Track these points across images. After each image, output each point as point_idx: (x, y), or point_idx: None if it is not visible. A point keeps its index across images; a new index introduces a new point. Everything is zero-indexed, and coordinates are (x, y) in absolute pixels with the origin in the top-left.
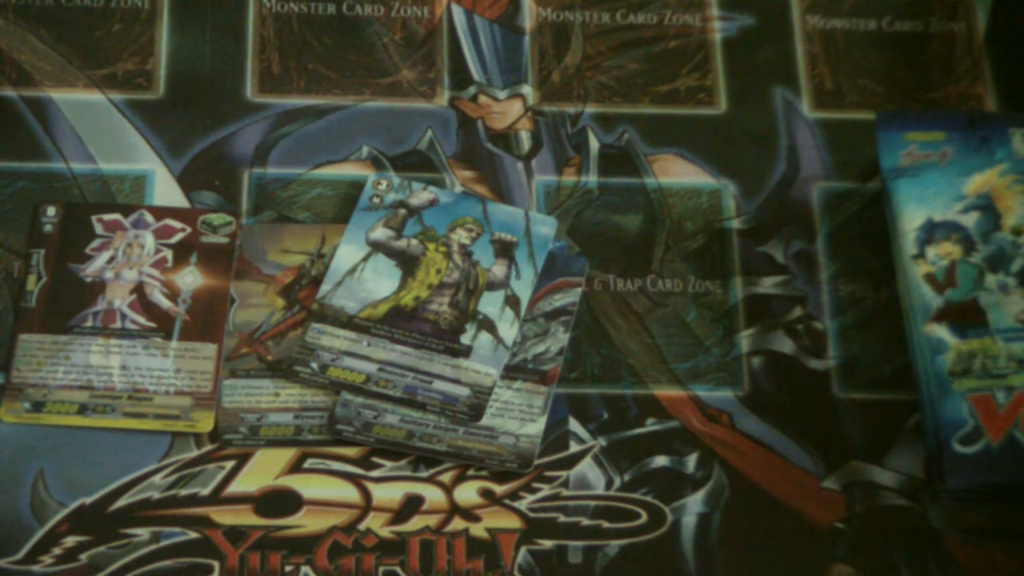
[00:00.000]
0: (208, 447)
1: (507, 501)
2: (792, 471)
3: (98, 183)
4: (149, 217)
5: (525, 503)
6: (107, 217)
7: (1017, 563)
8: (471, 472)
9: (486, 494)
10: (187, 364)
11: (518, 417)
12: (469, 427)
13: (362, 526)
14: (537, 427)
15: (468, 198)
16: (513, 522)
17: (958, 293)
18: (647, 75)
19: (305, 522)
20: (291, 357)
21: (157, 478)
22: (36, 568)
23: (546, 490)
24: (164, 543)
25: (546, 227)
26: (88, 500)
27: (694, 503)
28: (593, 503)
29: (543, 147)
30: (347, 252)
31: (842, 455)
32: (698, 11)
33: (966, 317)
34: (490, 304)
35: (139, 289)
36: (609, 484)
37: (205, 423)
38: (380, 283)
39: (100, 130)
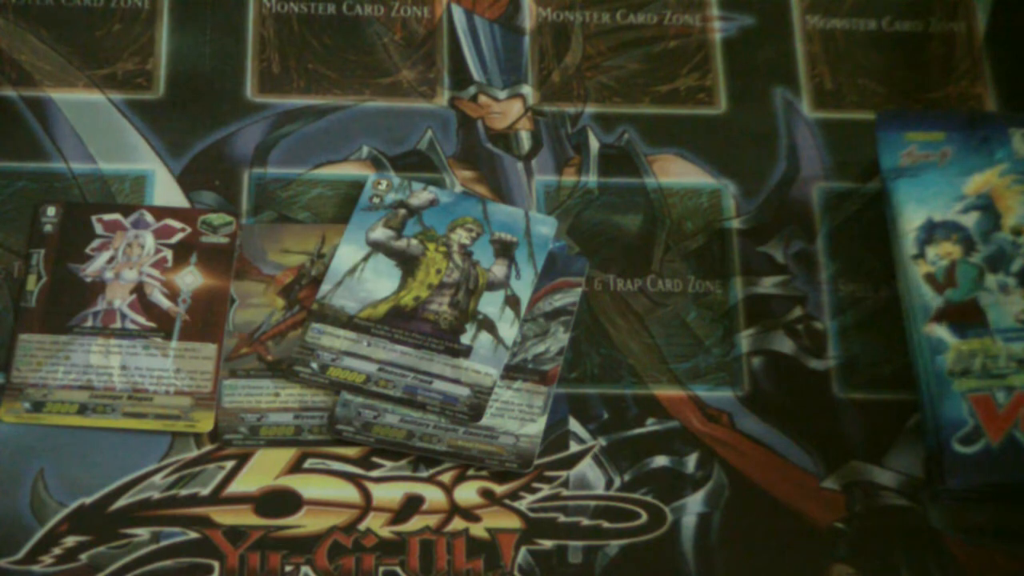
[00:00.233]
0: (208, 447)
1: (507, 501)
2: (792, 471)
3: (98, 183)
4: (149, 217)
5: (525, 503)
6: (107, 217)
7: (1017, 563)
8: (471, 472)
9: (486, 494)
10: (187, 364)
11: (518, 417)
12: (469, 427)
13: (362, 526)
14: (537, 427)
15: (468, 198)
16: (513, 522)
17: (958, 293)
18: (647, 75)
19: (305, 522)
20: (291, 357)
21: (157, 478)
22: (36, 568)
23: (546, 490)
24: (164, 543)
25: (546, 227)
26: (88, 500)
27: (694, 503)
28: (593, 503)
29: (543, 147)
30: (347, 252)
31: (842, 455)
32: (698, 11)
33: (966, 317)
34: (490, 304)
35: (139, 289)
36: (609, 484)
37: (205, 423)
38: (380, 283)
39: (100, 130)
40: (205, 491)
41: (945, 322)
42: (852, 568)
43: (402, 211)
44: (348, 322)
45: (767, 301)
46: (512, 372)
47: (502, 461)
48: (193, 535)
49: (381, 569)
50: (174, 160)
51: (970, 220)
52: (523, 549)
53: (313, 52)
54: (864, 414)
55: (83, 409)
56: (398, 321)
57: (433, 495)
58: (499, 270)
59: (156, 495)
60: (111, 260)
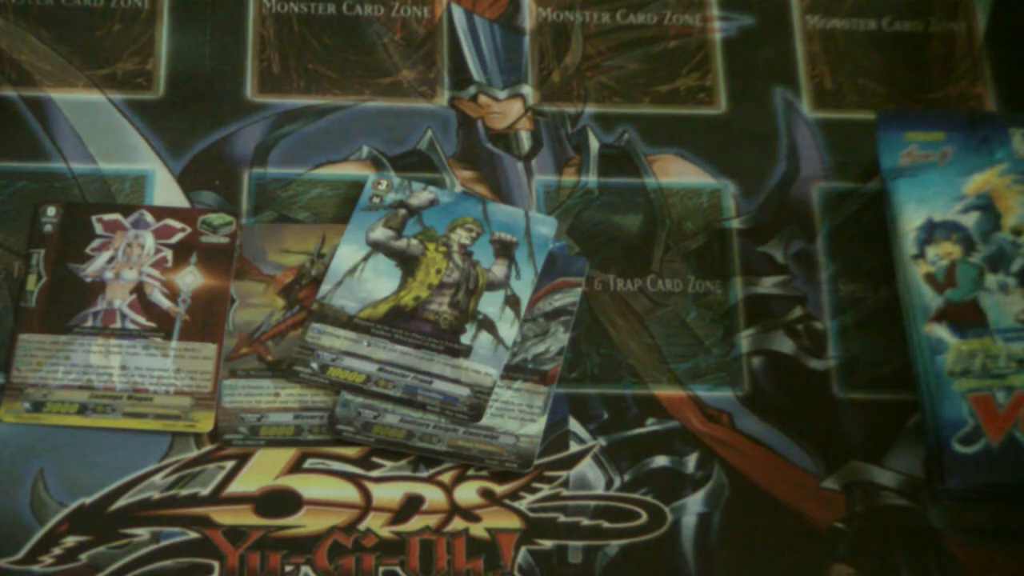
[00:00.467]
0: (208, 447)
1: (507, 501)
2: (792, 471)
3: (98, 183)
4: (149, 217)
5: (525, 503)
6: (107, 217)
7: (1017, 563)
8: (471, 472)
9: (486, 494)
10: (187, 364)
11: (518, 417)
12: (469, 427)
13: (362, 526)
14: (537, 427)
15: (468, 198)
16: (513, 522)
17: (958, 293)
18: (647, 75)
19: (305, 522)
20: (291, 357)
21: (157, 478)
22: (36, 568)
23: (546, 490)
24: (164, 543)
25: (546, 227)
26: (88, 500)
27: (694, 503)
28: (593, 503)
29: (543, 147)
30: (347, 252)
31: (842, 455)
32: (698, 11)
33: (966, 317)
34: (490, 304)
35: (139, 289)
36: (609, 484)
37: (205, 423)
38: (380, 283)
39: (100, 130)
40: (205, 491)
41: (945, 322)
42: (852, 568)
43: (402, 211)
44: (348, 322)
45: (767, 301)
46: (512, 372)
47: (502, 461)
48: (193, 535)
49: (381, 569)
50: (174, 160)
51: (970, 220)
52: (523, 549)
53: (313, 52)
54: (864, 414)
55: (83, 409)
56: (398, 321)
57: (433, 495)
58: (499, 270)
59: (156, 495)
60: (111, 260)
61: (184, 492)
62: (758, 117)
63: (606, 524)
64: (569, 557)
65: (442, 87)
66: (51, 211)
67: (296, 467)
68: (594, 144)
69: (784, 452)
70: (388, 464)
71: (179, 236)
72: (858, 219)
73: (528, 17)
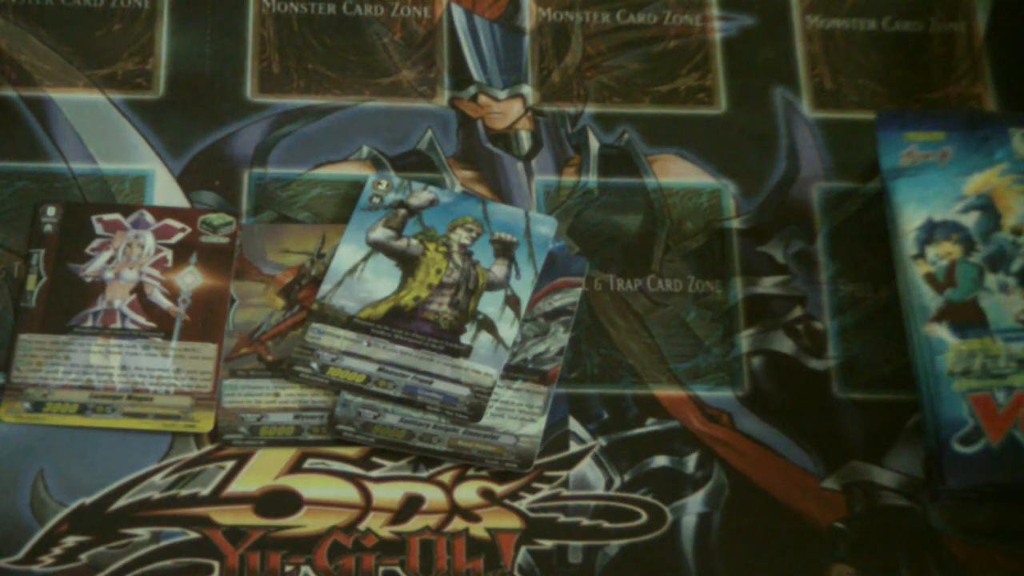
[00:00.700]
0: (208, 447)
1: (507, 501)
2: (792, 471)
3: (98, 183)
4: (149, 217)
5: (525, 503)
6: (107, 217)
7: (1017, 563)
8: (471, 472)
9: (486, 494)
10: (187, 364)
11: (518, 417)
12: (469, 427)
13: (362, 526)
14: (537, 427)
15: (468, 198)
16: (513, 522)
17: (958, 293)
18: (647, 75)
19: (305, 522)
20: (291, 357)
21: (157, 478)
22: (36, 568)
23: (546, 490)
24: (164, 543)
25: (546, 227)
26: (88, 500)
27: (694, 503)
28: (593, 503)
29: (543, 147)
30: (347, 252)
31: (842, 455)
32: (698, 11)
33: (966, 317)
34: (490, 304)
35: (139, 289)
36: (609, 484)
37: (205, 423)
38: (380, 283)
39: (100, 130)
40: (205, 491)
41: (945, 322)
42: (852, 568)
43: (402, 211)
44: (348, 322)
45: (767, 301)
46: (512, 372)
47: (502, 461)
48: (193, 535)
49: (381, 569)
50: (174, 160)
51: (970, 220)
52: (523, 549)
53: (313, 52)
54: (864, 414)
55: (83, 409)
56: (398, 321)
57: (433, 495)
58: (499, 270)
59: (156, 495)
60: (111, 260)
61: (184, 492)
62: (758, 117)
63: (606, 524)
64: (569, 557)
65: (442, 87)
66: (51, 211)
67: (296, 467)
68: (594, 144)
69: (784, 452)
70: (388, 464)
71: (179, 236)
72: (858, 219)
73: (528, 17)
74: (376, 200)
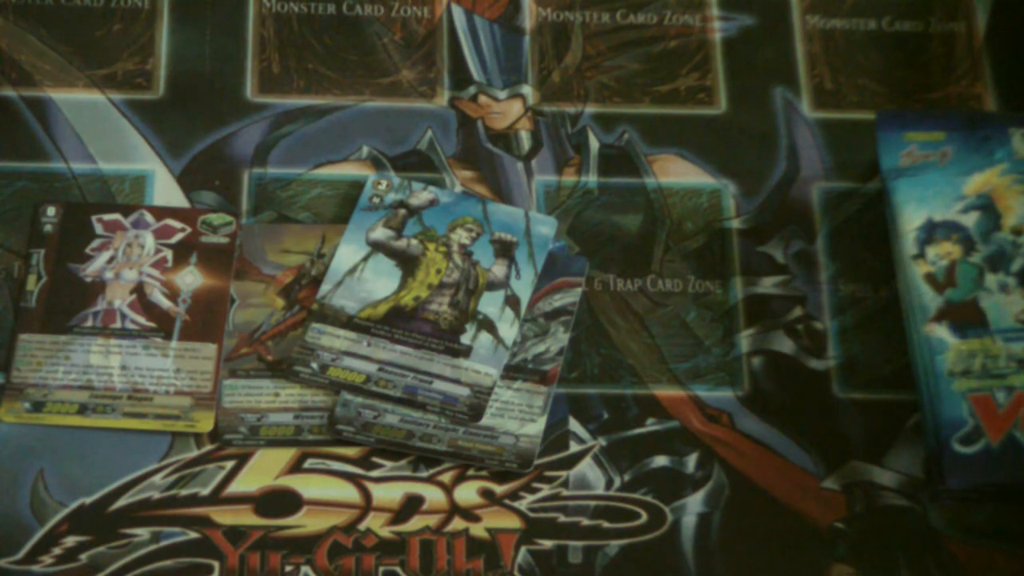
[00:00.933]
0: (208, 447)
1: (507, 501)
2: (792, 471)
3: (98, 183)
4: (149, 217)
5: (525, 503)
6: (107, 217)
7: (1017, 563)
8: (471, 472)
9: (486, 494)
10: (187, 364)
11: (518, 417)
12: (469, 427)
13: (362, 526)
14: (537, 427)
15: (468, 198)
16: (513, 522)
17: (958, 293)
18: (647, 75)
19: (305, 522)
20: (291, 357)
21: (157, 478)
22: (36, 568)
23: (546, 490)
24: (164, 543)
25: (546, 227)
26: (88, 500)
27: (694, 503)
28: (593, 503)
29: (543, 147)
30: (347, 252)
31: (842, 455)
32: (698, 11)
33: (966, 317)
34: (490, 304)
35: (139, 289)
36: (609, 484)
37: (205, 423)
38: (380, 283)
39: (100, 130)
40: (205, 491)
41: (945, 322)
42: (852, 568)
43: (402, 211)
44: (348, 322)
45: (767, 301)
46: (512, 372)
47: (502, 461)
48: (193, 535)
49: (381, 569)
50: (174, 160)
51: (970, 220)
52: (523, 549)
53: (313, 52)
54: (864, 414)
55: (83, 409)
56: (398, 321)
57: (433, 495)
58: (499, 270)
59: (156, 495)
60: (111, 260)
61: (184, 492)
62: (758, 117)
63: (606, 524)
64: (569, 557)
65: (442, 87)
66: (51, 211)
67: (296, 467)
68: (594, 144)
69: (784, 452)
70: (388, 464)
71: (179, 236)
72: (858, 219)
73: (528, 17)
74: (376, 200)
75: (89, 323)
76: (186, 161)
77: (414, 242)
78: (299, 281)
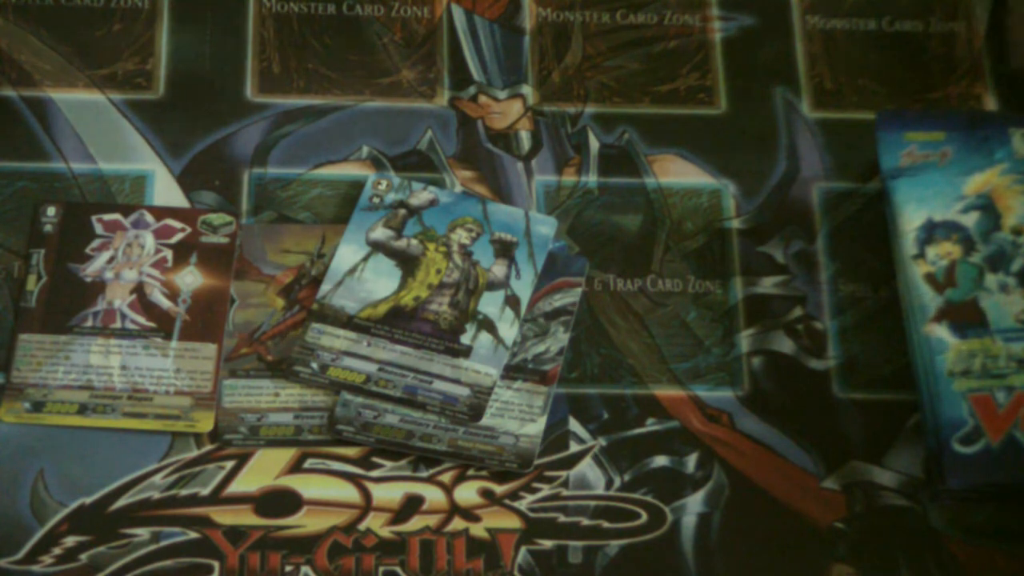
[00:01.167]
0: (208, 447)
1: (507, 501)
2: (792, 471)
3: (98, 183)
4: (149, 217)
5: (525, 503)
6: (107, 217)
7: (1017, 563)
8: (471, 472)
9: (486, 494)
10: (187, 364)
11: (518, 417)
12: (469, 427)
13: (362, 526)
14: (537, 427)
15: (468, 198)
16: (513, 522)
17: (958, 293)
18: (647, 75)
19: (305, 522)
20: (291, 357)
21: (157, 478)
22: (36, 568)
23: (546, 490)
24: (164, 543)
25: (546, 227)
26: (88, 500)
27: (694, 503)
28: (593, 503)
29: (543, 147)
30: (347, 252)
31: (842, 455)
32: (698, 11)
33: (966, 317)
34: (490, 304)
35: (139, 289)
36: (609, 484)
37: (205, 423)
38: (380, 283)
39: (100, 130)
40: (205, 491)
41: (945, 322)
42: (852, 568)
43: (402, 211)
44: (348, 322)
45: (767, 301)
46: (512, 372)
47: (502, 461)
48: (193, 535)
49: (381, 569)
50: (174, 160)
51: (970, 220)
52: (523, 549)
53: (313, 52)
54: (864, 414)
55: (83, 409)
56: (398, 321)
57: (433, 495)
58: (499, 270)
59: (156, 495)
60: (111, 260)
61: (184, 492)
62: (758, 117)
63: (606, 524)
64: (569, 557)
65: (442, 87)
66: (51, 211)
67: (296, 467)
68: (594, 144)
69: (784, 452)
70: (388, 464)
71: (179, 236)
72: (858, 219)
73: (528, 17)
74: (376, 200)
75: (89, 323)
76: (186, 161)
77: (414, 242)
78: (299, 281)
